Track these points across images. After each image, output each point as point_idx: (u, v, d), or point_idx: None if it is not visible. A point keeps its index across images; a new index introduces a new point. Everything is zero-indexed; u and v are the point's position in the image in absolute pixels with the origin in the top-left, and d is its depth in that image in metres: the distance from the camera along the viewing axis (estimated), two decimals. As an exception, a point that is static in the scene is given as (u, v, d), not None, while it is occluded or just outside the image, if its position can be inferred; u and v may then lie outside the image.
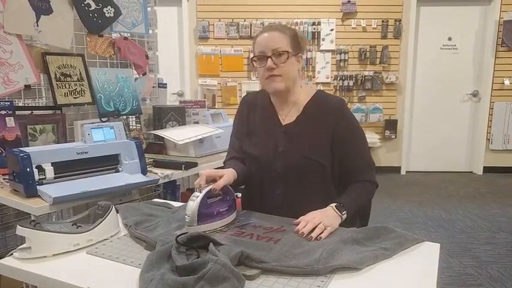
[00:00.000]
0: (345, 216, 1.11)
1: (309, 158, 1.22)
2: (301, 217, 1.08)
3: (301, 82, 1.31)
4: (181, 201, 1.45)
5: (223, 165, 1.38)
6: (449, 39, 4.55)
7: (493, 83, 4.50)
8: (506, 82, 4.47)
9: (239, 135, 1.37)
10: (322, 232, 1.01)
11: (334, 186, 1.26)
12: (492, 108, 4.54)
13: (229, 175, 1.13)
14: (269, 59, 1.19)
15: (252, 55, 1.31)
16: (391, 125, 4.61)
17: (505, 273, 2.32)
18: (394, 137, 4.64)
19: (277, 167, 1.25)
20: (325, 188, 1.24)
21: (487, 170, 4.64)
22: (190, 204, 1.02)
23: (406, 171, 4.77)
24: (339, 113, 1.25)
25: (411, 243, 1.00)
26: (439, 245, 1.01)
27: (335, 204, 1.13)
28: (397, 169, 4.74)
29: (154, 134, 2.03)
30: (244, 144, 1.34)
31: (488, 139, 4.60)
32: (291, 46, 1.21)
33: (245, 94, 1.52)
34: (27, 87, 1.67)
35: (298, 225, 1.04)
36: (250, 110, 1.36)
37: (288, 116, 1.29)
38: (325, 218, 1.05)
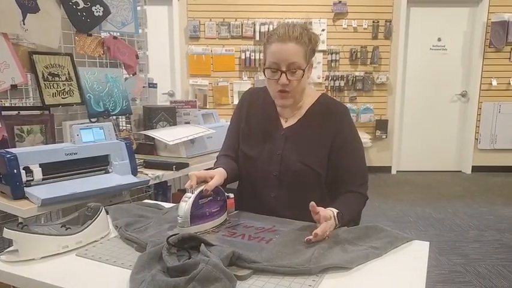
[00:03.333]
0: (338, 226, 1.08)
1: (306, 164, 1.20)
2: (323, 225, 0.98)
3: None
4: (172, 202, 1.44)
5: (216, 159, 1.36)
6: (439, 40, 4.61)
7: (481, 84, 4.57)
8: (494, 83, 4.55)
9: (236, 131, 1.34)
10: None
11: (328, 193, 1.24)
12: (480, 109, 4.62)
13: (220, 175, 1.12)
14: (283, 75, 1.13)
15: (262, 58, 1.23)
16: (381, 125, 4.65)
17: (492, 270, 2.36)
18: (384, 137, 4.68)
19: (274, 170, 1.23)
20: (319, 194, 1.22)
21: (475, 169, 4.71)
22: (182, 205, 1.02)
23: (397, 171, 4.82)
24: (342, 120, 1.23)
25: (401, 242, 1.01)
26: (428, 243, 1.02)
27: (337, 212, 1.06)
28: (388, 169, 4.79)
29: (144, 134, 2.02)
30: (241, 143, 1.32)
31: (477, 139, 4.67)
32: (306, 58, 1.15)
33: (247, 89, 1.45)
34: (14, 87, 1.64)
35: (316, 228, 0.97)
36: (251, 107, 1.32)
37: (289, 118, 1.27)
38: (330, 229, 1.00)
